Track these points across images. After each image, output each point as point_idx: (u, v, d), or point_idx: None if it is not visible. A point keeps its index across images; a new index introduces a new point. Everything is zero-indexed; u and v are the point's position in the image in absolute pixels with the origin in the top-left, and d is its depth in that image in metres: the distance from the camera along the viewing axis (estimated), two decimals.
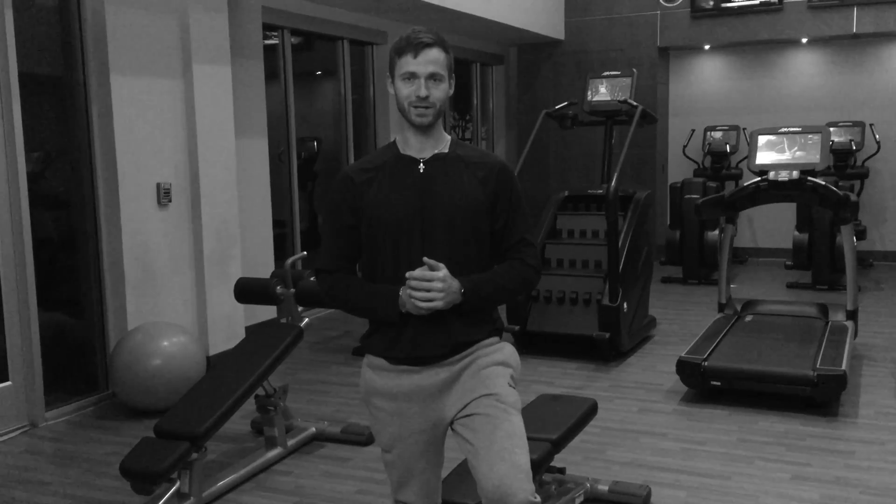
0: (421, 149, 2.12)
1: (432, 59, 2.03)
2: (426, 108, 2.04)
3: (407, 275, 2.00)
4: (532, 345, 5.56)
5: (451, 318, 2.05)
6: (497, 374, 2.11)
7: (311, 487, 3.56)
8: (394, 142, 2.17)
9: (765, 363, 4.49)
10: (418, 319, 2.04)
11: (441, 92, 2.07)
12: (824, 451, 3.82)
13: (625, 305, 5.36)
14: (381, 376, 2.14)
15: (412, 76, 2.03)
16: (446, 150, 2.14)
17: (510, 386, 2.12)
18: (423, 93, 2.03)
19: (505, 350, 2.18)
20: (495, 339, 2.18)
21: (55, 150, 4.78)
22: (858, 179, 8.46)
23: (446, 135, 2.17)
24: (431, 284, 1.98)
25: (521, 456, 2.01)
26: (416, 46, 2.03)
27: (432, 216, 2.07)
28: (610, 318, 5.29)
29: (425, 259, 2.00)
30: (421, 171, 2.10)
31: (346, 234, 2.13)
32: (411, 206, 2.07)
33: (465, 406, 2.08)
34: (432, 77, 2.04)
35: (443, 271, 2.00)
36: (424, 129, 2.09)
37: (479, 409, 2.05)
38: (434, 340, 2.07)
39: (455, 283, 2.01)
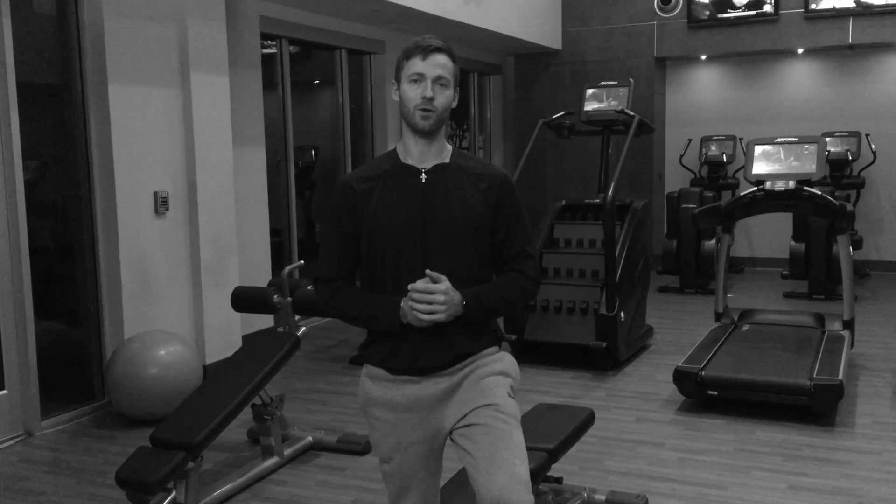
0: (422, 158, 2.12)
1: (440, 64, 2.05)
2: (431, 110, 2.05)
3: (409, 287, 2.00)
4: (529, 354, 5.56)
5: (451, 329, 2.05)
6: (497, 384, 2.10)
7: (308, 497, 3.55)
8: (394, 150, 2.17)
9: (762, 373, 4.49)
10: (419, 331, 2.04)
11: (446, 98, 2.07)
12: (821, 460, 3.82)
13: (622, 315, 5.37)
14: (380, 386, 2.13)
15: (420, 77, 2.04)
16: (448, 161, 2.14)
17: (510, 396, 2.11)
18: (429, 93, 2.03)
19: (505, 360, 2.17)
20: (495, 348, 2.18)
21: (52, 159, 4.78)
22: (854, 189, 8.49)
23: (448, 145, 2.17)
24: (434, 297, 1.98)
25: (521, 466, 2.00)
26: (425, 50, 2.05)
27: (433, 227, 2.07)
28: (607, 327, 5.29)
29: (428, 271, 2.00)
30: (423, 181, 2.10)
31: (345, 243, 2.13)
32: (412, 217, 2.07)
33: (464, 416, 2.07)
34: (439, 80, 2.05)
35: (445, 284, 1.99)
36: (427, 136, 2.09)
37: (478, 420, 2.05)
38: (435, 352, 2.07)
39: (457, 296, 2.01)
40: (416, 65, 2.05)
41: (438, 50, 2.06)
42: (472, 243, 2.10)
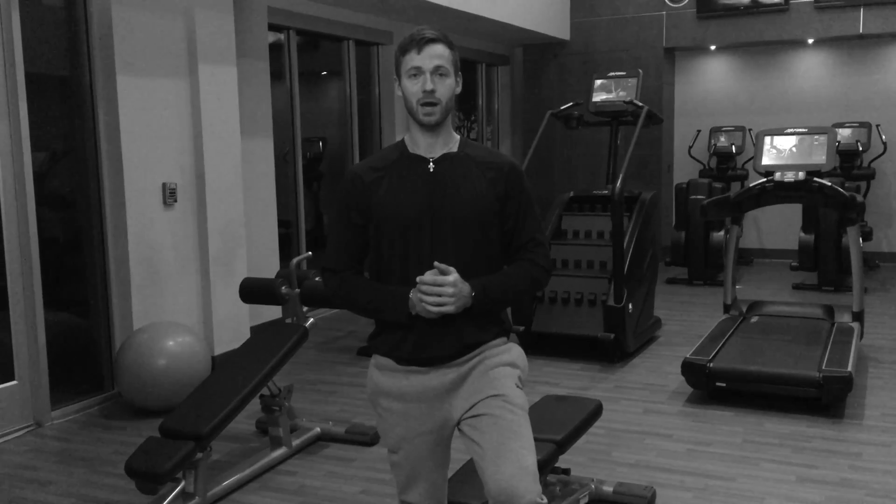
0: (430, 148, 2.11)
1: (437, 54, 2.03)
2: (433, 104, 2.03)
3: (418, 279, 1.99)
4: (537, 345, 5.55)
5: (460, 320, 2.05)
6: (505, 375, 2.10)
7: (316, 487, 3.56)
8: (402, 141, 2.16)
9: (770, 364, 4.48)
10: (427, 321, 2.04)
11: (447, 88, 2.06)
12: (830, 452, 3.81)
13: (630, 306, 5.36)
14: (388, 377, 2.13)
15: (418, 71, 2.03)
16: (455, 150, 2.13)
17: (517, 387, 2.11)
18: (429, 86, 2.02)
19: (513, 351, 2.17)
20: (503, 339, 2.18)
21: (61, 150, 4.79)
22: (865, 180, 8.44)
23: (455, 134, 2.16)
24: (442, 289, 1.98)
25: (529, 457, 2.01)
26: (419, 42, 2.03)
27: (442, 216, 2.06)
28: (615, 318, 5.28)
29: (436, 263, 1.99)
30: (430, 170, 2.09)
31: (354, 233, 2.13)
32: (421, 206, 2.06)
33: (472, 406, 2.07)
34: (437, 71, 2.03)
35: (453, 275, 1.99)
36: (433, 129, 2.09)
37: (486, 410, 2.05)
38: (443, 342, 2.07)
39: (466, 287, 2.01)
40: (413, 59, 2.03)
41: (433, 40, 2.04)
42: (481, 232, 2.09)
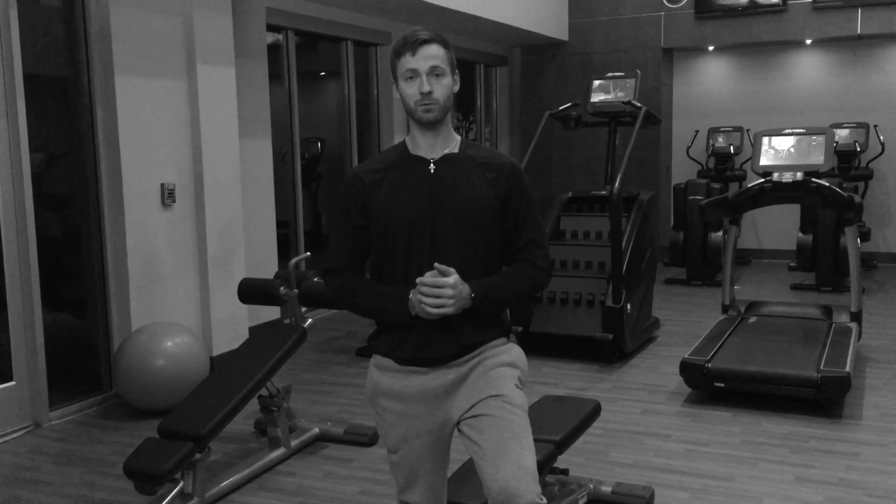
0: (430, 149, 2.11)
1: (431, 55, 2.03)
2: (431, 103, 2.04)
3: (417, 280, 1.99)
4: (535, 346, 5.55)
5: (460, 321, 2.05)
6: (504, 376, 2.10)
7: (314, 488, 3.56)
8: (403, 142, 2.17)
9: (768, 365, 4.48)
10: (427, 322, 2.04)
11: (444, 88, 2.06)
12: (828, 452, 3.82)
13: (628, 307, 5.36)
14: (388, 377, 2.14)
15: (413, 73, 2.03)
16: (456, 150, 2.13)
17: (517, 387, 2.11)
18: (425, 88, 2.02)
19: (513, 351, 2.17)
20: (503, 339, 2.18)
21: (59, 151, 4.79)
22: (862, 181, 8.46)
23: (456, 135, 2.16)
24: (442, 291, 1.97)
25: (528, 457, 2.01)
26: (413, 44, 2.03)
27: (442, 216, 2.06)
28: (613, 319, 5.29)
29: (436, 265, 1.99)
30: (431, 171, 2.09)
31: (355, 234, 2.13)
32: (421, 207, 2.07)
33: (471, 407, 2.07)
34: (433, 72, 2.03)
35: (453, 277, 1.99)
36: (433, 128, 2.09)
37: (485, 410, 2.05)
38: (442, 342, 2.07)
39: (465, 289, 2.01)
40: (408, 61, 2.03)
41: (427, 41, 2.04)
42: (482, 233, 2.09)
